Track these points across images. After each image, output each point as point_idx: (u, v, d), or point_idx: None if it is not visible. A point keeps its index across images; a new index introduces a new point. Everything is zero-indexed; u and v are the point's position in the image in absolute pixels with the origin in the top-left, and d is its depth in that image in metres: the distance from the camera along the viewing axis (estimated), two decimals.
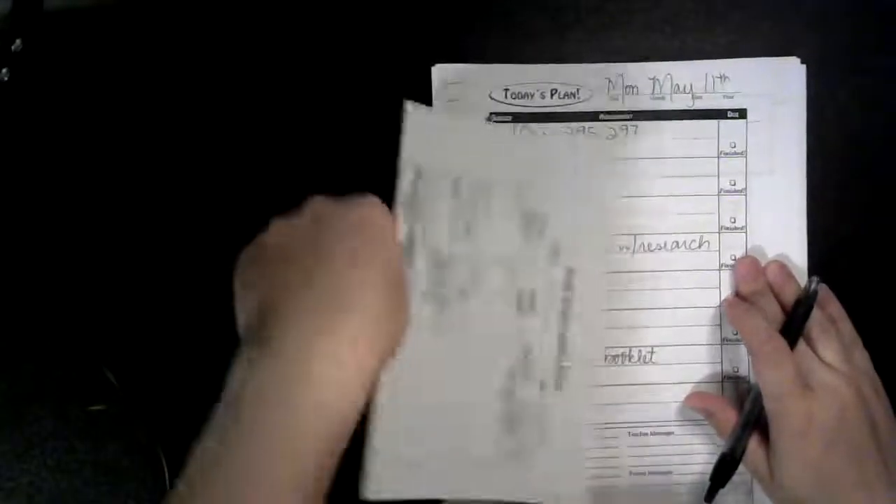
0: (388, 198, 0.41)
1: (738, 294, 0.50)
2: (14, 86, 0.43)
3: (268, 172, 0.50)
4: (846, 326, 0.49)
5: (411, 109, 0.42)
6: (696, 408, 0.50)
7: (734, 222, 0.51)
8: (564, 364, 0.44)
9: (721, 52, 0.51)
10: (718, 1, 0.51)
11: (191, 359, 0.49)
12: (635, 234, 0.51)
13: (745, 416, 0.48)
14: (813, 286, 0.47)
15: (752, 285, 0.49)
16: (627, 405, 0.51)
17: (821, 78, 0.51)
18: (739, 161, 0.51)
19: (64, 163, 0.49)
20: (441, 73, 0.50)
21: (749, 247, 0.51)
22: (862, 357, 0.48)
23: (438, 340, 0.42)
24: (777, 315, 0.48)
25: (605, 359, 0.51)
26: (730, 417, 0.49)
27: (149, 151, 0.49)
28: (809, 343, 0.47)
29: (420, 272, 0.41)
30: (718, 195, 0.51)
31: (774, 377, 0.45)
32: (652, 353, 0.51)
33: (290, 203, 0.43)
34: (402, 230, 0.41)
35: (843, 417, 0.44)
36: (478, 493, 0.42)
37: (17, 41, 0.43)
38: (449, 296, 0.42)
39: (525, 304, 0.44)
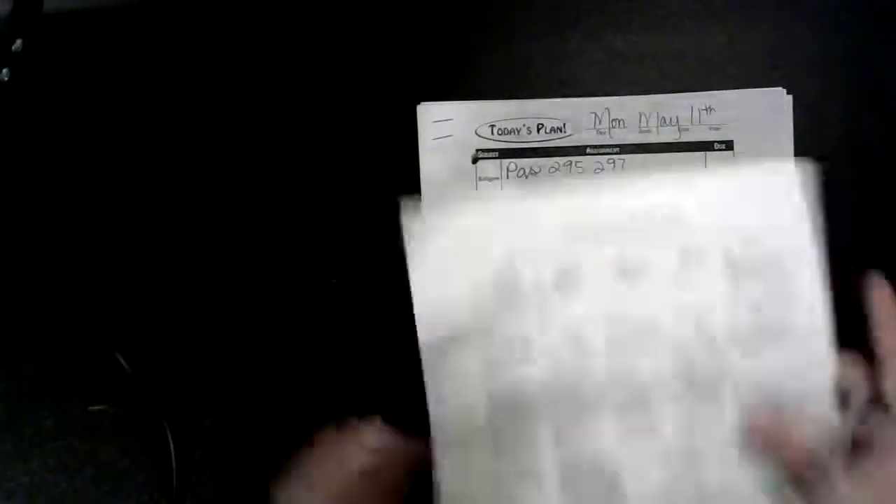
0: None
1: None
2: (14, 86, 0.43)
3: (259, 195, 0.51)
4: None
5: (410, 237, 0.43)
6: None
7: None
8: None
9: (722, 53, 0.51)
10: (718, 1, 0.51)
11: (202, 352, 0.51)
12: None
13: None
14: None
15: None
16: None
17: (820, 77, 0.51)
18: None
19: (64, 162, 0.50)
20: (426, 112, 0.51)
21: None
22: None
23: None
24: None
25: None
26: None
27: (149, 149, 0.50)
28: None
29: None
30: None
31: None
32: None
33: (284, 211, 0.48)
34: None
35: None
36: None
37: (17, 41, 0.42)
38: None
39: None
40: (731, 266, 0.42)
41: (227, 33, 0.51)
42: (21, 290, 0.50)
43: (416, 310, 0.42)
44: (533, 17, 0.52)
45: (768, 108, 0.50)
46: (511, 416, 0.42)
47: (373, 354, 0.51)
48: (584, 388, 0.42)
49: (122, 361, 0.49)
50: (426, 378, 0.42)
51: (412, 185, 0.51)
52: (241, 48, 0.51)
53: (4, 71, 0.41)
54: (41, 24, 0.44)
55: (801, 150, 0.50)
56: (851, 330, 0.44)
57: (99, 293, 0.50)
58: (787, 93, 0.50)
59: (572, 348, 0.42)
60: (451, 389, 0.43)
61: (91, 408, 0.49)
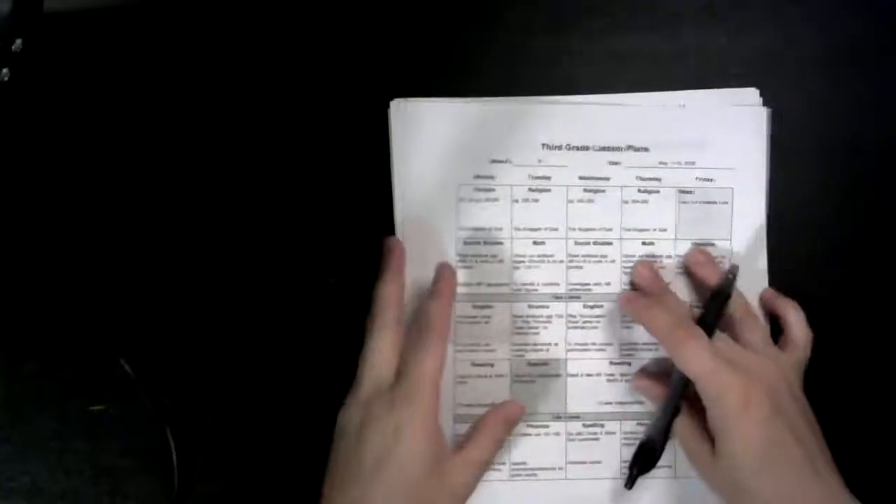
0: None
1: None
2: (14, 86, 0.42)
3: (240, 191, 0.51)
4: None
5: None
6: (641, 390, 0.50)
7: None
8: None
9: (722, 53, 0.52)
10: (718, 1, 0.52)
11: (202, 353, 0.50)
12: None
13: (664, 403, 0.47)
14: (729, 276, 0.47)
15: (652, 287, 0.49)
16: None
17: (820, 77, 0.51)
18: None
19: (64, 162, 0.50)
20: (399, 109, 0.49)
21: None
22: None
23: None
24: (683, 309, 0.47)
25: None
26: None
27: (149, 149, 0.50)
28: (732, 327, 0.47)
29: None
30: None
31: (695, 357, 0.43)
32: None
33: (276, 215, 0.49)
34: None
35: (775, 395, 0.43)
36: None
37: (17, 41, 0.41)
38: None
39: None
40: (683, 198, 0.50)
41: (227, 33, 0.51)
42: (21, 291, 0.49)
43: (396, 191, 0.49)
44: (533, 16, 0.52)
45: (741, 108, 0.51)
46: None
47: None
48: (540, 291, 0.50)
49: (124, 363, 0.49)
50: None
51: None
52: (241, 47, 0.51)
53: (4, 71, 0.41)
54: (41, 24, 0.43)
55: (801, 149, 0.50)
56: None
57: (99, 292, 0.50)
58: (784, 92, 0.51)
59: (535, 251, 0.50)
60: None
61: (92, 408, 0.49)
